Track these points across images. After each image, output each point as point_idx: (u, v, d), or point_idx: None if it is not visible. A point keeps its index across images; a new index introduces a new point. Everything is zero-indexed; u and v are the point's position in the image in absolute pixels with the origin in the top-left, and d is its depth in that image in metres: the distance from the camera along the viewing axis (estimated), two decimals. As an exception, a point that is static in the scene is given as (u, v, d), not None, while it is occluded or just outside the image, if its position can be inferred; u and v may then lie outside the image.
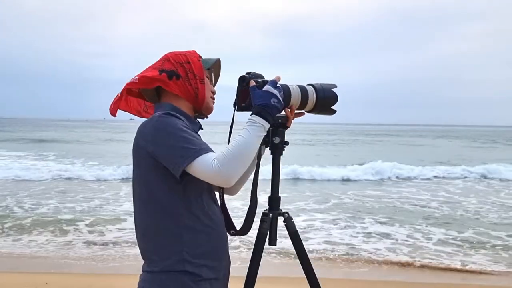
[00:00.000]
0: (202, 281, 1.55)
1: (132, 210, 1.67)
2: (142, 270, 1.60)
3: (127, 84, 1.69)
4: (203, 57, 1.73)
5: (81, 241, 6.96)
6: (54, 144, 30.66)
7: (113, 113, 1.75)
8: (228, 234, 1.73)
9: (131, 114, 1.82)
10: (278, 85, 1.64)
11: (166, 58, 1.68)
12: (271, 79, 1.66)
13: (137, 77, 1.65)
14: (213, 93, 1.75)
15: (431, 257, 6.42)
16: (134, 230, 1.67)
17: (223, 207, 1.74)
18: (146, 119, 1.62)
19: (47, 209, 9.28)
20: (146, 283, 1.56)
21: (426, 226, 8.35)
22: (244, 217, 1.72)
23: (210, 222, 1.60)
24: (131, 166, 1.66)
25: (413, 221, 8.72)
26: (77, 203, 9.96)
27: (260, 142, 1.57)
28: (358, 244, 7.09)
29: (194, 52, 1.71)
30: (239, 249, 6.33)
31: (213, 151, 1.52)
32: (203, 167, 1.46)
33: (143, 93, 1.76)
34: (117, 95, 1.74)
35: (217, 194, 1.74)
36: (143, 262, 1.62)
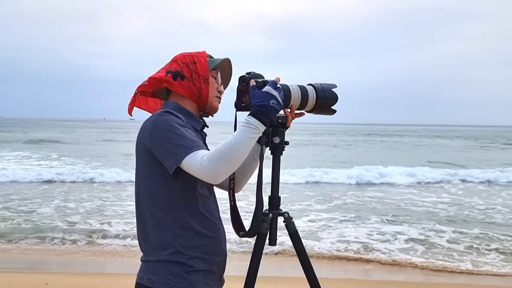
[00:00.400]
0: (194, 272, 1.59)
1: (134, 210, 1.71)
2: (140, 260, 1.67)
3: (139, 87, 1.76)
4: (214, 57, 1.77)
5: (82, 241, 6.96)
6: (57, 144, 30.33)
7: (129, 113, 1.83)
8: (237, 235, 1.78)
9: (132, 115, 1.88)
10: (278, 85, 1.63)
11: (174, 60, 1.74)
12: (271, 79, 1.65)
13: (146, 79, 1.73)
14: (220, 92, 1.78)
15: (443, 258, 6.43)
16: (136, 229, 1.71)
17: (234, 208, 1.77)
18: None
19: (49, 209, 9.26)
20: (141, 271, 1.64)
21: (435, 225, 8.38)
22: (251, 219, 1.72)
23: (206, 219, 1.64)
24: (134, 170, 1.72)
25: (421, 221, 8.73)
26: (80, 204, 9.95)
27: (253, 143, 1.57)
28: (372, 243, 7.09)
29: (203, 52, 1.75)
30: (239, 249, 6.33)
31: (205, 149, 1.56)
32: (192, 164, 1.51)
33: (157, 92, 1.82)
34: (135, 97, 1.82)
35: (222, 194, 1.80)
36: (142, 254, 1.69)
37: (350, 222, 8.58)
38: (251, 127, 1.54)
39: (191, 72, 1.70)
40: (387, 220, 8.86)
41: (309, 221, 8.61)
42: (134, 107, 1.83)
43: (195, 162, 1.50)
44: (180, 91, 1.70)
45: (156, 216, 1.61)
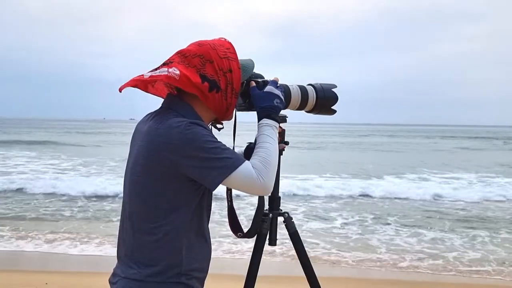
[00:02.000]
0: None
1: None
2: (125, 277, 1.50)
3: (165, 77, 1.46)
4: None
5: (82, 240, 6.95)
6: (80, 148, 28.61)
7: (121, 89, 1.53)
8: (235, 236, 1.74)
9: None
10: (278, 85, 1.64)
11: (209, 59, 1.50)
12: (271, 79, 1.65)
13: (177, 73, 1.45)
14: None
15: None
16: (123, 236, 1.57)
17: (231, 209, 1.73)
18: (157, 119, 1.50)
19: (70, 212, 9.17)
20: None
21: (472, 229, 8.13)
22: (252, 220, 1.71)
23: (207, 238, 1.58)
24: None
25: (444, 223, 8.57)
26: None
27: None
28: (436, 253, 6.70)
29: (235, 53, 1.55)
30: (239, 249, 6.32)
31: (245, 159, 1.45)
32: (245, 178, 1.42)
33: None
34: (141, 77, 1.51)
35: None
36: (123, 267, 1.53)
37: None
38: (274, 129, 1.55)
39: (226, 84, 1.51)
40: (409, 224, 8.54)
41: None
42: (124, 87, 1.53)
43: (249, 176, 1.42)
44: (209, 105, 1.51)
45: (165, 234, 1.46)
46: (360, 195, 11.58)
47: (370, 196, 11.51)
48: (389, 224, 8.56)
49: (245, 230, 1.76)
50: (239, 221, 1.74)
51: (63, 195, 10.75)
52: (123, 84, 1.54)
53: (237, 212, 1.75)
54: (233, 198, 1.72)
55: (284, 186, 11.08)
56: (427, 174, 16.49)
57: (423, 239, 7.45)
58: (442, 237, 7.60)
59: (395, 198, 11.34)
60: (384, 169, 17.59)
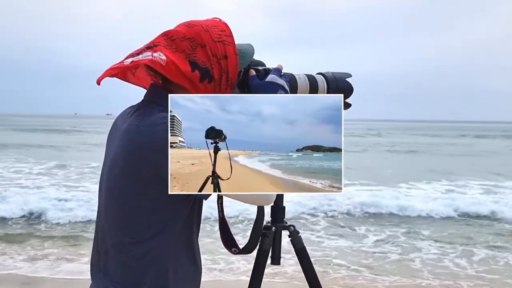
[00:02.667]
0: None
1: None
2: None
3: (148, 61, 1.24)
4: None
5: (59, 260, 6.64)
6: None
7: (99, 81, 1.27)
8: (230, 252, 1.52)
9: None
10: (282, 73, 1.42)
11: (201, 43, 1.29)
12: (273, 67, 1.44)
13: (164, 58, 1.25)
14: None
15: None
16: (98, 252, 1.38)
17: (223, 221, 1.51)
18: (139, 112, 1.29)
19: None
20: None
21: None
22: (250, 234, 1.51)
23: (196, 257, 1.38)
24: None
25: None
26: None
27: None
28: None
29: (231, 36, 1.33)
30: (238, 267, 5.82)
31: None
32: None
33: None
34: (121, 64, 1.28)
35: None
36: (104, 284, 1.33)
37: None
38: None
39: (221, 72, 1.31)
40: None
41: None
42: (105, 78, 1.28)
43: None
44: None
45: (145, 253, 1.26)
46: (386, 206, 9.73)
47: (400, 207, 9.70)
48: (426, 240, 7.49)
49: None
50: (233, 235, 1.52)
51: (41, 209, 8.56)
52: (100, 75, 1.29)
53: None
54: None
55: (297, 196, 9.34)
56: (464, 181, 14.16)
57: (474, 261, 6.42)
58: (494, 257, 6.58)
59: (427, 209, 9.63)
60: (410, 175, 15.25)
